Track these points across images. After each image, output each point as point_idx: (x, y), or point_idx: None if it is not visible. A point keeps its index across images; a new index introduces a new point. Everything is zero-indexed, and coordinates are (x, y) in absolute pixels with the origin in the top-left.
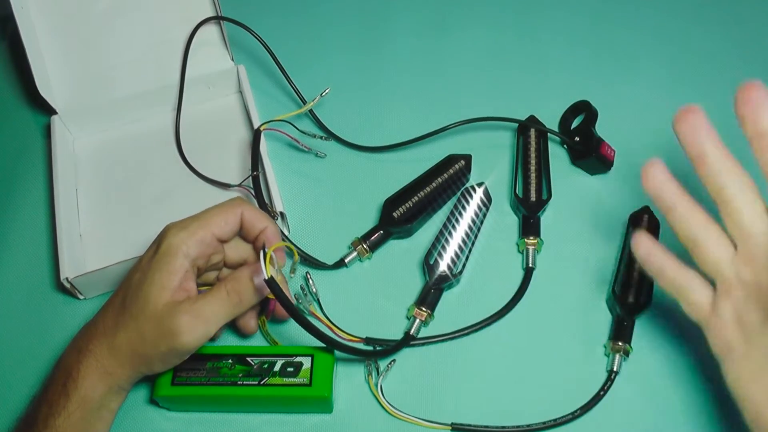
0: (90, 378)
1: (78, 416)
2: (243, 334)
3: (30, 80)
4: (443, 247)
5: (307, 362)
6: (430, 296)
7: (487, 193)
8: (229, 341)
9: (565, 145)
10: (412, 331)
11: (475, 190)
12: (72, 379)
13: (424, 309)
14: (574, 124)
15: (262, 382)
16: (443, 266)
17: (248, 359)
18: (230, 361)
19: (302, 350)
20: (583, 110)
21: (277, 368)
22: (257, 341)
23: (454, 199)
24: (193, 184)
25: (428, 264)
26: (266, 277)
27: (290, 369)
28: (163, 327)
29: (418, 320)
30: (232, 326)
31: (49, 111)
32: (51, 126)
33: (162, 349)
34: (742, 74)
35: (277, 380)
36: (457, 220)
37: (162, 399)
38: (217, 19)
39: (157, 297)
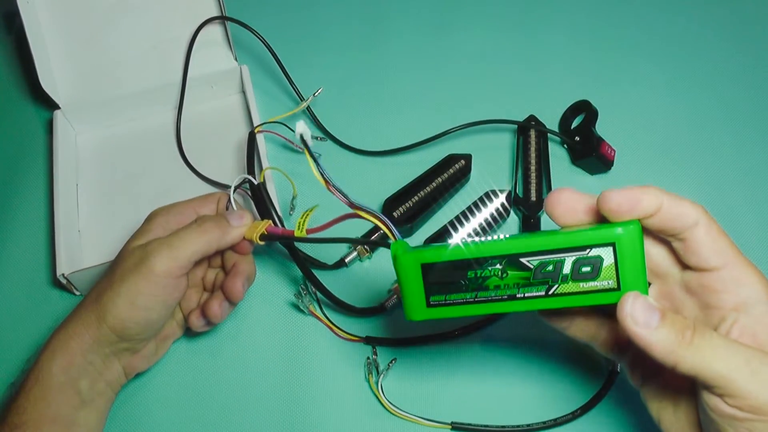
0: (48, 349)
1: (36, 394)
2: (230, 300)
3: (34, 75)
4: (447, 238)
5: (608, 255)
6: None
7: (508, 201)
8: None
9: (565, 145)
10: (386, 304)
11: (497, 195)
12: (35, 355)
13: None
14: (574, 123)
15: (551, 293)
16: None
17: (524, 261)
18: (499, 266)
19: (597, 238)
20: (583, 110)
21: (567, 270)
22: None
23: (455, 199)
24: (193, 183)
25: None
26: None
27: (586, 269)
28: (132, 260)
29: (395, 296)
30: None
31: (52, 106)
32: (53, 121)
33: (129, 280)
34: (741, 74)
35: (571, 287)
36: (467, 219)
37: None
38: (221, 19)
39: (129, 245)
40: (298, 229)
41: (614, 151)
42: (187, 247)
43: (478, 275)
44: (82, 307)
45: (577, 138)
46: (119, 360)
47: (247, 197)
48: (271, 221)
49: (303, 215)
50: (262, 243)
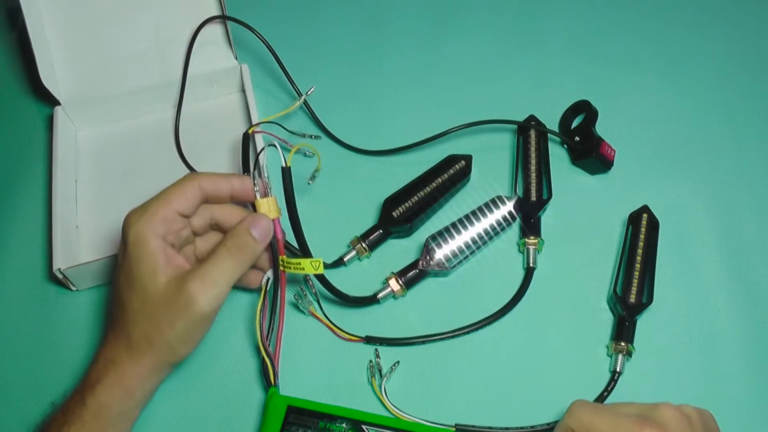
0: (107, 383)
1: (93, 425)
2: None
3: (35, 71)
4: (449, 237)
5: None
6: (412, 274)
7: (516, 208)
8: (346, 401)
9: (565, 145)
10: (379, 296)
11: (504, 202)
12: (90, 386)
13: (400, 282)
14: (575, 123)
15: None
16: (439, 254)
17: (364, 427)
18: (344, 425)
19: (423, 429)
20: (584, 110)
21: None
22: (374, 407)
23: (455, 200)
24: None
25: (428, 245)
26: (284, 165)
27: None
28: (176, 302)
29: (390, 289)
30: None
31: (53, 102)
32: (54, 117)
33: (179, 325)
34: (741, 75)
35: None
36: (471, 222)
37: None
38: (222, 18)
39: (152, 281)
40: (283, 264)
41: (614, 151)
42: (228, 279)
43: (327, 427)
44: (131, 348)
45: (577, 138)
46: (166, 376)
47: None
48: (280, 215)
49: (296, 266)
50: None
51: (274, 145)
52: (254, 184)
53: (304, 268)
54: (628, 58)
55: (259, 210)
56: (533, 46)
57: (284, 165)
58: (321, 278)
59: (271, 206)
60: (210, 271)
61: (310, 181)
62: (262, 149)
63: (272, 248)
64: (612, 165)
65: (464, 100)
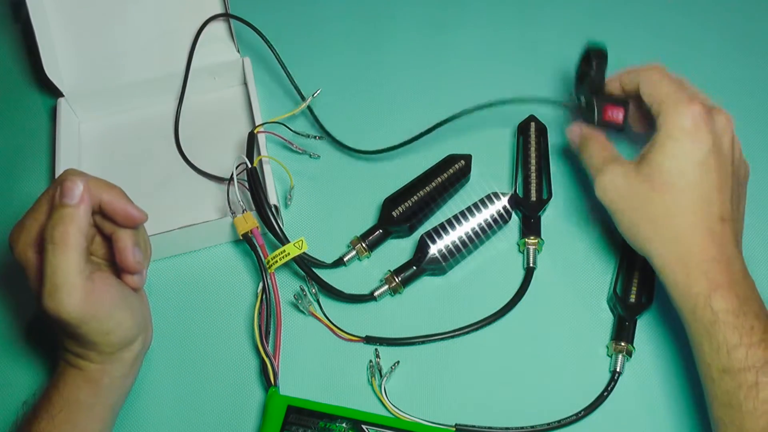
0: (66, 379)
1: (62, 417)
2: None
3: (39, 63)
4: (444, 233)
5: None
6: (408, 271)
7: (511, 204)
8: (346, 401)
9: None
10: (376, 294)
11: (498, 198)
12: (54, 385)
13: (396, 279)
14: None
15: None
16: (433, 250)
17: (364, 427)
18: (344, 425)
19: (423, 429)
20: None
21: None
22: (374, 407)
23: (454, 199)
24: (190, 174)
25: (422, 240)
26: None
27: None
28: (72, 328)
29: (386, 286)
30: None
31: (57, 94)
32: (57, 108)
33: (89, 333)
34: (742, 69)
35: None
36: (466, 218)
37: None
38: (225, 16)
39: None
40: (269, 264)
41: (622, 110)
42: (66, 271)
43: (327, 427)
44: (79, 353)
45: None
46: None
47: (245, 189)
48: (257, 225)
49: (282, 255)
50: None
51: (246, 162)
52: (230, 206)
53: (289, 254)
54: (628, 57)
55: (238, 228)
56: (533, 45)
57: (249, 166)
58: (317, 278)
59: (247, 220)
60: (49, 281)
61: (288, 202)
62: (230, 177)
63: (258, 257)
64: (623, 128)
65: (465, 101)
